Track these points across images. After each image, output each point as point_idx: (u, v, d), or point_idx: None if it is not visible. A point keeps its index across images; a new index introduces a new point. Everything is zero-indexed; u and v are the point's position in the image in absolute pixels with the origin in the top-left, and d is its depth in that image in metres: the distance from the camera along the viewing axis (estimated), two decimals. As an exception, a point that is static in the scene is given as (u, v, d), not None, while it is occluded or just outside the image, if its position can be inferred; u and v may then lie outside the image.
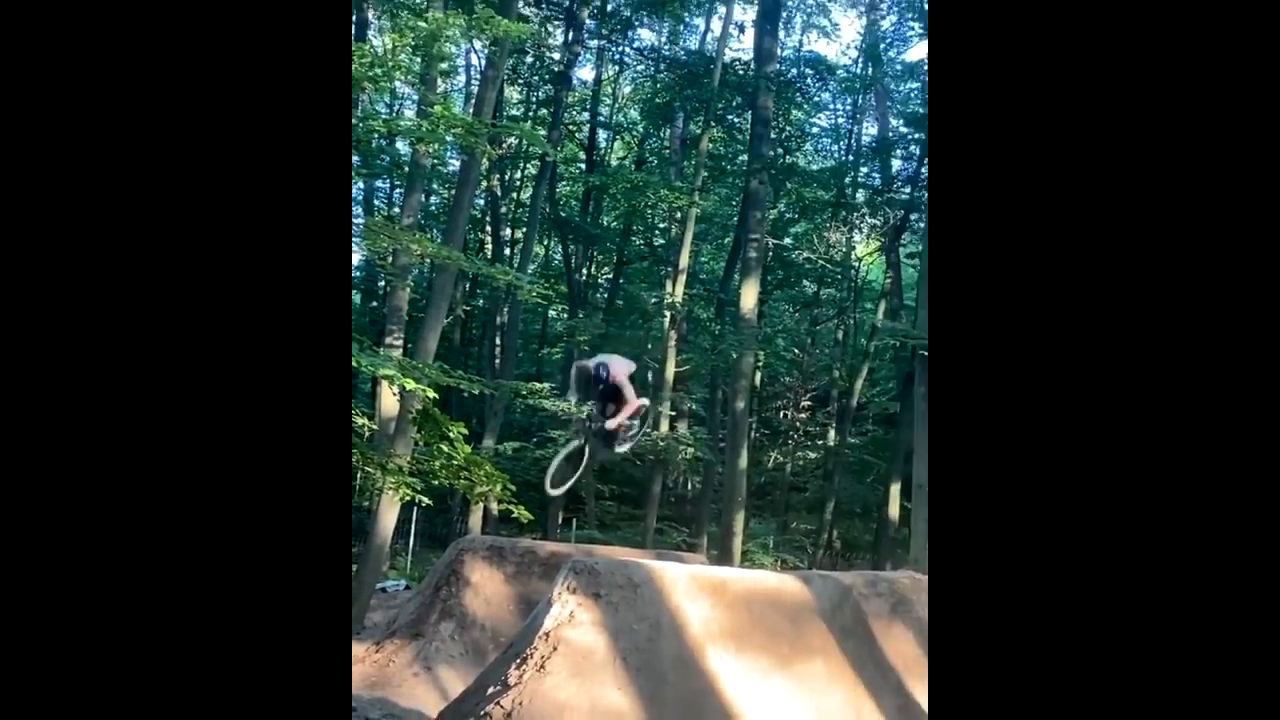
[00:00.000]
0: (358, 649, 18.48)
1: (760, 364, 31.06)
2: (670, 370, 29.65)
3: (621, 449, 15.45)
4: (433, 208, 31.51)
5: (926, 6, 33.17)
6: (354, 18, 16.74)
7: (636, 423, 15.18)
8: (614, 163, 37.79)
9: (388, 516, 21.30)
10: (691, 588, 12.36)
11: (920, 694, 12.56)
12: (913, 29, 35.56)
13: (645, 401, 15.48)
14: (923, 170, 30.55)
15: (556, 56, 33.14)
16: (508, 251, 34.34)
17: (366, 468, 16.25)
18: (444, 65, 26.88)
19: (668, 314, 30.51)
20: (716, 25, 34.11)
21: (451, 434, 14.81)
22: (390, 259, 24.43)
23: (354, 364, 15.36)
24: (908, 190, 33.32)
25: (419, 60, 23.60)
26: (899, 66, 36.30)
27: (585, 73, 36.35)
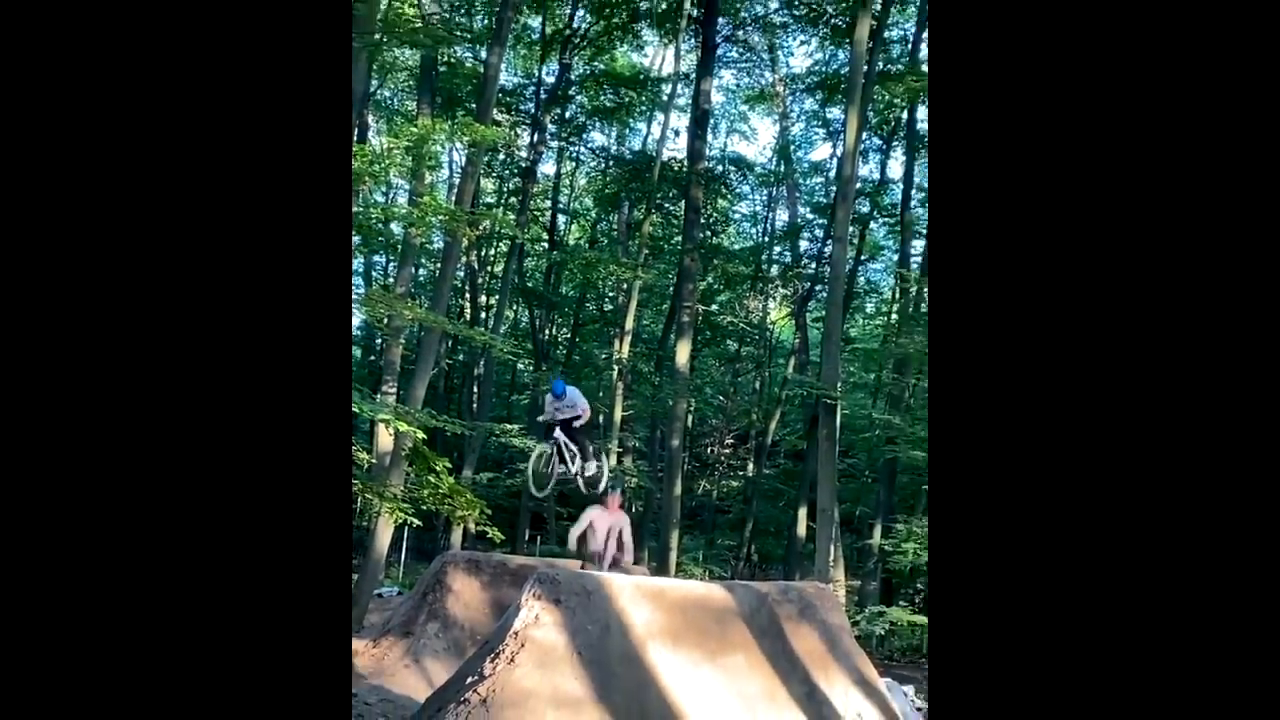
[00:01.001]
0: (357, 644, 18.37)
1: (691, 409, 31.12)
2: (618, 414, 29.71)
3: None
4: (421, 279, 31.49)
5: (828, 115, 33.42)
6: (356, 122, 16.84)
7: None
8: (571, 242, 37.89)
9: (384, 534, 21.19)
10: (635, 594, 12.40)
11: (823, 683, 12.62)
12: (818, 134, 35.85)
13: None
14: (825, 249, 30.68)
15: (524, 154, 33.21)
16: (483, 315, 34.32)
17: (366, 495, 16.19)
18: (431, 162, 26.91)
19: (615, 368, 30.59)
20: (656, 130, 34.25)
21: (437, 467, 14.81)
22: (386, 322, 24.36)
23: (355, 409, 15.33)
24: (813, 266, 33.49)
25: (410, 158, 23.60)
26: (805, 164, 36.61)
27: (548, 168, 36.46)
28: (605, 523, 16.06)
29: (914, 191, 31.84)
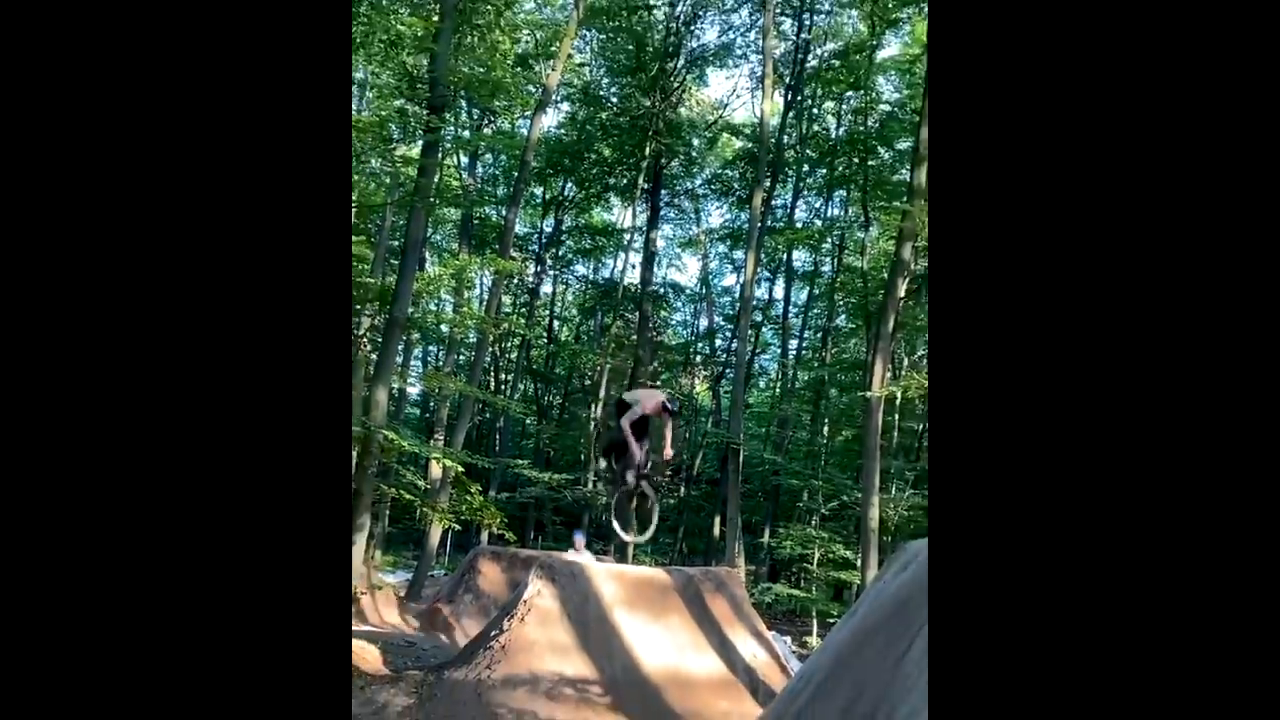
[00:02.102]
0: (418, 608, 18.22)
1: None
2: (594, 455, 29.71)
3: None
4: (461, 362, 31.45)
5: (734, 255, 33.70)
6: (417, 257, 16.93)
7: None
8: (562, 338, 37.94)
9: (435, 535, 21.11)
10: (605, 575, 12.42)
11: (731, 635, 12.61)
12: (728, 268, 36.09)
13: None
14: (732, 345, 30.86)
15: (531, 279, 33.39)
16: (503, 387, 34.25)
17: (424, 508, 16.13)
18: (468, 284, 27.01)
19: (591, 423, 30.60)
20: (620, 263, 34.50)
21: (471, 490, 14.79)
22: (438, 391, 24.37)
23: (416, 449, 15.32)
24: (724, 356, 33.69)
25: (454, 281, 23.70)
26: (719, 288, 36.84)
27: (546, 288, 36.55)
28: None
29: (790, 308, 32.54)
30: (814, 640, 19.04)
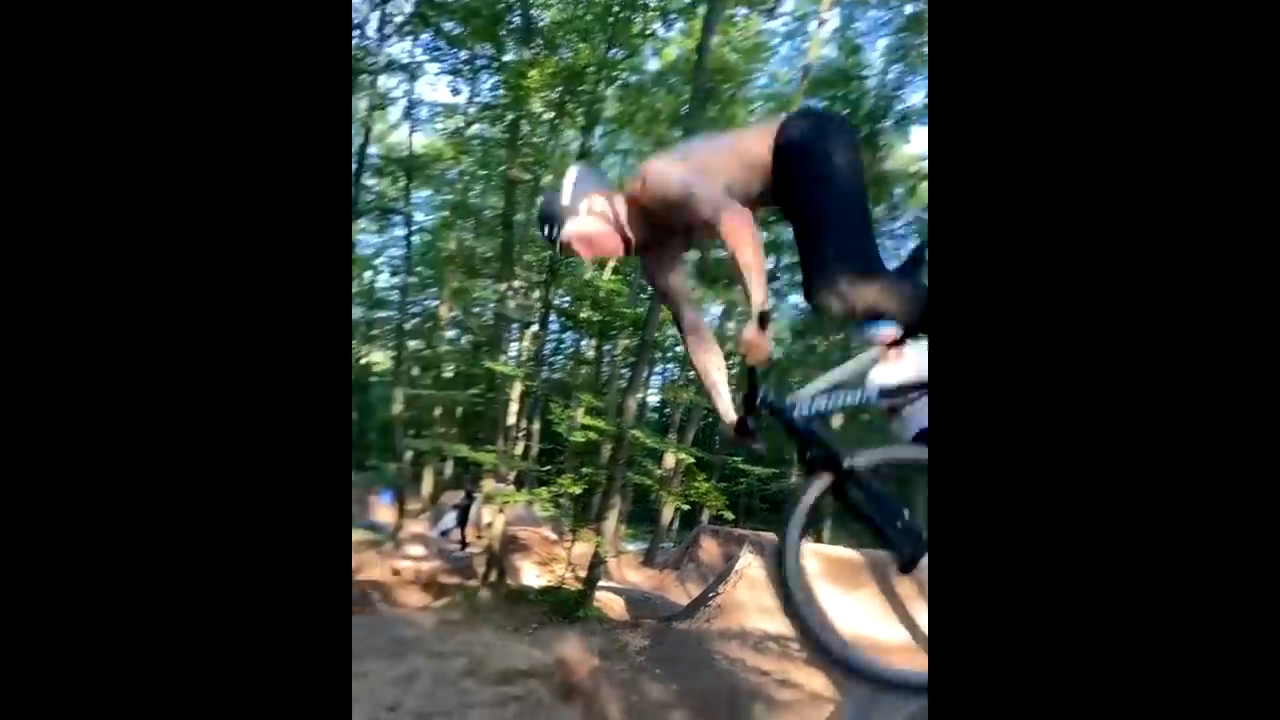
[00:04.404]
0: (651, 572, 18.31)
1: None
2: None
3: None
4: (690, 376, 31.54)
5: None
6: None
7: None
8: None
9: (667, 513, 21.22)
10: (807, 553, 12.11)
11: (917, 614, 12.01)
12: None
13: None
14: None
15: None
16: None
17: (660, 492, 16.26)
18: (703, 313, 27.00)
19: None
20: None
21: (698, 479, 14.82)
22: (674, 399, 24.56)
23: (655, 445, 15.44)
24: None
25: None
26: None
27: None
28: None
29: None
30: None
